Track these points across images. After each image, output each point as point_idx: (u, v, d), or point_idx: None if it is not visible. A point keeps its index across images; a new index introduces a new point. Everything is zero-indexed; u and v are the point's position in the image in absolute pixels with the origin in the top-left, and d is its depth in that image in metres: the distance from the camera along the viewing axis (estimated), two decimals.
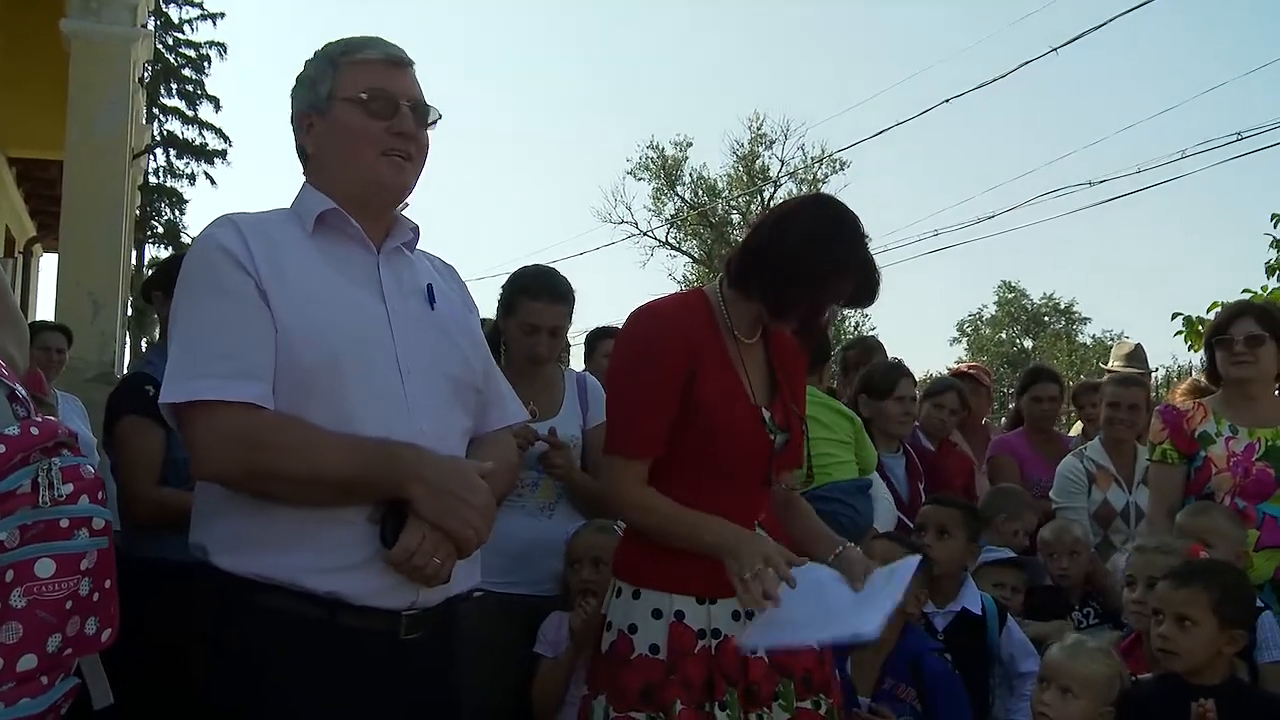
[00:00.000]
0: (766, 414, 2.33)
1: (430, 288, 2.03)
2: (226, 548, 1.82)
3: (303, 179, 2.03)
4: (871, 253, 2.33)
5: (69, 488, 1.67)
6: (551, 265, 3.52)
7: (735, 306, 2.35)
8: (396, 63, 1.98)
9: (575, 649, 2.81)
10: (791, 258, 2.25)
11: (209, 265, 1.85)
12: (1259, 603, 3.09)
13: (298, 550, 1.78)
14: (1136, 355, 5.59)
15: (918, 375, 4.75)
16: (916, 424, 4.57)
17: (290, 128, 2.03)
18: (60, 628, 1.65)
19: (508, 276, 3.31)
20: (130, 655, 1.83)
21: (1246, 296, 11.16)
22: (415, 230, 2.06)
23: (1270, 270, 12.27)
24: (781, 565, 2.06)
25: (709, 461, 2.27)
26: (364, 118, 1.92)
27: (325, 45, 2.02)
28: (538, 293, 3.14)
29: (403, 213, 2.06)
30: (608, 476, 2.33)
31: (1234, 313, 3.55)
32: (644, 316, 2.33)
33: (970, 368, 5.62)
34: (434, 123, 2.01)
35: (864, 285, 2.32)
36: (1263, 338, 3.44)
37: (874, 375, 4.02)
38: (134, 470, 2.99)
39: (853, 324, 35.69)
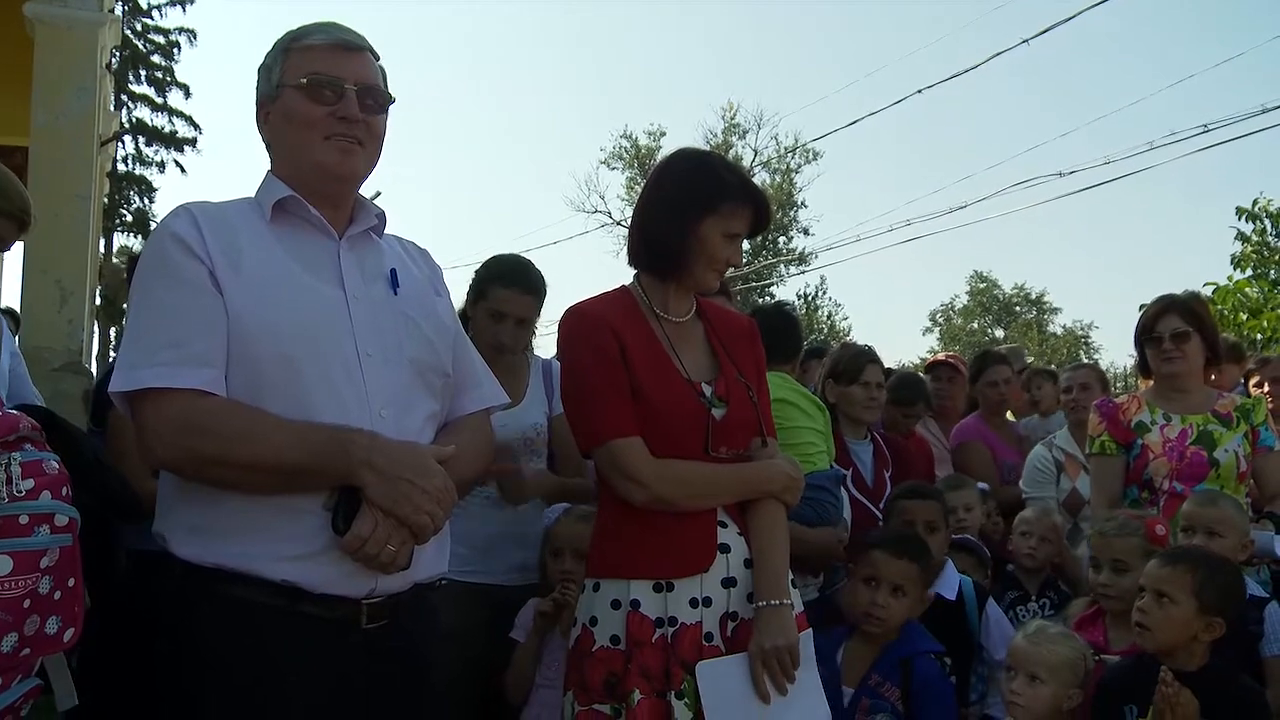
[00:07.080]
0: (707, 388, 2.37)
1: (394, 272, 2.02)
2: (184, 537, 1.81)
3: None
4: (745, 175, 2.40)
5: (29, 483, 1.65)
6: (526, 255, 3.51)
7: (652, 289, 2.44)
8: (345, 47, 1.96)
9: (536, 632, 2.86)
10: (667, 208, 2.37)
11: (162, 253, 1.83)
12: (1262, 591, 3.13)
13: (253, 539, 1.77)
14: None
15: (890, 365, 4.76)
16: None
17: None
18: (17, 627, 1.62)
19: (481, 263, 3.29)
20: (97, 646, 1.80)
21: (1209, 289, 11.36)
22: (380, 216, 2.05)
23: (1236, 262, 12.47)
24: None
25: (651, 436, 2.28)
26: (306, 102, 1.92)
27: (284, 33, 2.00)
28: (510, 281, 3.14)
29: (368, 199, 2.05)
30: (618, 464, 2.26)
31: (1160, 310, 3.60)
32: (570, 316, 2.38)
33: (949, 357, 5.69)
34: (387, 106, 1.99)
35: (753, 205, 2.38)
36: (1188, 333, 3.53)
37: (841, 360, 4.01)
38: (129, 461, 2.93)
39: (826, 314, 35.85)
